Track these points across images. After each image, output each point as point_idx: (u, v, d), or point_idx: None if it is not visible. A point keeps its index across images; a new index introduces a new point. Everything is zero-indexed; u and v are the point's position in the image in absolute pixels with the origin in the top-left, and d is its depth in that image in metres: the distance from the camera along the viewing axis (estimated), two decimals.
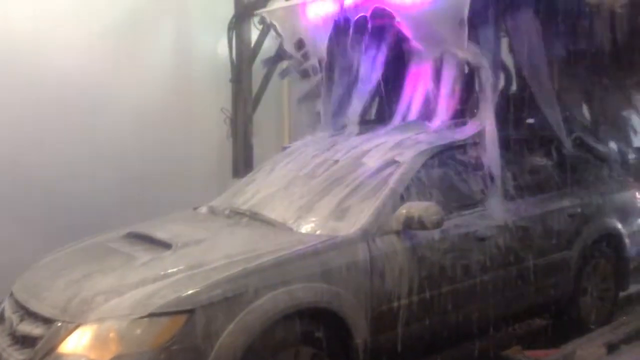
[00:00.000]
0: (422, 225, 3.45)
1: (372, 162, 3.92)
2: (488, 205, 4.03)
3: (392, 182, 3.67)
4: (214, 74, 6.43)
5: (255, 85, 6.38)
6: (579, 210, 4.46)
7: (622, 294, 5.03)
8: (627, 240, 4.85)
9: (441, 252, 3.69)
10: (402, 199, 3.64)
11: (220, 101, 6.39)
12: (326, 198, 3.75)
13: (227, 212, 4.01)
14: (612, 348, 4.07)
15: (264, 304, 2.91)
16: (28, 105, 5.41)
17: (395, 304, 3.45)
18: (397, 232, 3.52)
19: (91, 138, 5.72)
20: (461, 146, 4.12)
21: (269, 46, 6.16)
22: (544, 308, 4.50)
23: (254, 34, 6.23)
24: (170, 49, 6.33)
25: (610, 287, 4.81)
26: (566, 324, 4.60)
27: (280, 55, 5.39)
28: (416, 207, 3.50)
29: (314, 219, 3.58)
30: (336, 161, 4.10)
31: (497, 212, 4.03)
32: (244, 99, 6.34)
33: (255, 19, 5.95)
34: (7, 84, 5.31)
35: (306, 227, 3.51)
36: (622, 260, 4.83)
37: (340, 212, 3.60)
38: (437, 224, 3.47)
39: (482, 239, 3.90)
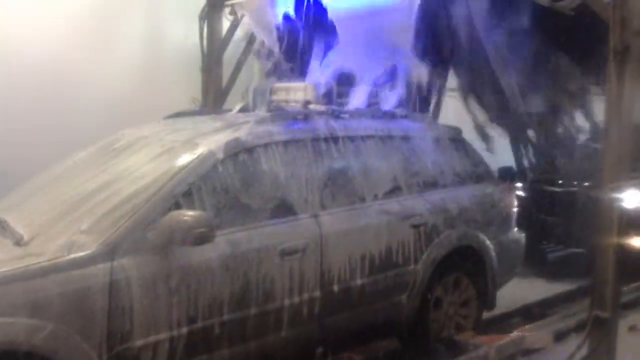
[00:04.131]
0: (184, 240, 2.76)
1: (166, 158, 3.21)
2: (303, 213, 3.37)
3: (161, 184, 2.94)
4: (184, 63, 6.44)
5: (226, 75, 6.39)
6: (423, 220, 3.82)
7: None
8: (492, 255, 4.22)
9: (226, 271, 2.97)
10: (179, 207, 2.95)
11: (191, 90, 6.37)
12: (88, 204, 3.01)
13: None
14: (560, 336, 4.13)
15: None
16: None
17: (148, 341, 2.72)
18: (163, 249, 2.82)
19: (59, 124, 5.56)
20: (293, 141, 3.46)
21: (239, 37, 6.29)
22: (383, 330, 3.83)
23: (225, 25, 6.29)
24: (141, 37, 6.46)
25: (471, 307, 4.17)
26: (417, 347, 3.98)
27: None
28: (182, 218, 2.79)
29: (57, 231, 2.81)
30: (130, 156, 3.38)
31: (312, 222, 3.37)
32: (214, 88, 6.34)
33: (227, 10, 6.10)
34: None
35: (40, 243, 2.74)
36: (486, 277, 4.19)
37: (95, 224, 2.85)
38: (203, 239, 2.77)
39: (289, 254, 3.23)
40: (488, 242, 4.18)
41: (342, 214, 3.52)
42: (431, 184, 3.99)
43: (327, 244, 3.38)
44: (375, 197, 3.70)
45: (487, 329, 4.44)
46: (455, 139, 4.33)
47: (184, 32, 6.50)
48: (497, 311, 4.71)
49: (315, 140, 3.58)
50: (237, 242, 3.06)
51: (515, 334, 4.06)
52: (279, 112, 3.65)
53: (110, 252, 2.68)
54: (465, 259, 4.09)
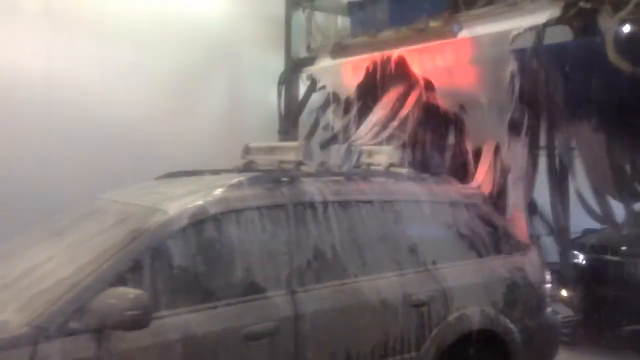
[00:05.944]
0: (116, 325, 2.43)
1: (118, 229, 2.91)
2: (277, 290, 2.97)
3: (101, 261, 2.63)
4: (263, 125, 6.78)
5: (302, 137, 6.58)
6: (425, 298, 3.30)
7: None
8: (517, 341, 3.59)
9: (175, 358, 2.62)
10: (124, 283, 2.62)
11: None
12: (30, 279, 2.74)
13: None
14: None
15: None
16: (94, 150, 5.75)
17: None
18: (95, 333, 2.49)
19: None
20: (271, 207, 3.10)
21: (315, 101, 6.64)
22: None
23: (302, 89, 6.66)
24: (223, 100, 6.96)
25: None
26: None
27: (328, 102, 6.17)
28: (114, 298, 2.47)
29: None
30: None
31: (286, 300, 2.95)
32: None
33: (304, 75, 6.49)
34: (77, 130, 5.72)
35: None
36: None
37: (27, 304, 2.54)
38: (137, 323, 2.43)
39: (255, 339, 2.82)
40: (511, 325, 3.59)
41: (326, 291, 3.08)
42: (438, 256, 3.49)
43: (304, 326, 2.95)
44: (369, 271, 3.25)
45: None
46: (471, 203, 3.82)
47: (263, 95, 6.89)
48: None
49: (299, 205, 3.20)
50: (190, 325, 2.68)
51: None
52: (259, 175, 3.31)
53: (34, 335, 2.38)
54: (483, 345, 3.51)
